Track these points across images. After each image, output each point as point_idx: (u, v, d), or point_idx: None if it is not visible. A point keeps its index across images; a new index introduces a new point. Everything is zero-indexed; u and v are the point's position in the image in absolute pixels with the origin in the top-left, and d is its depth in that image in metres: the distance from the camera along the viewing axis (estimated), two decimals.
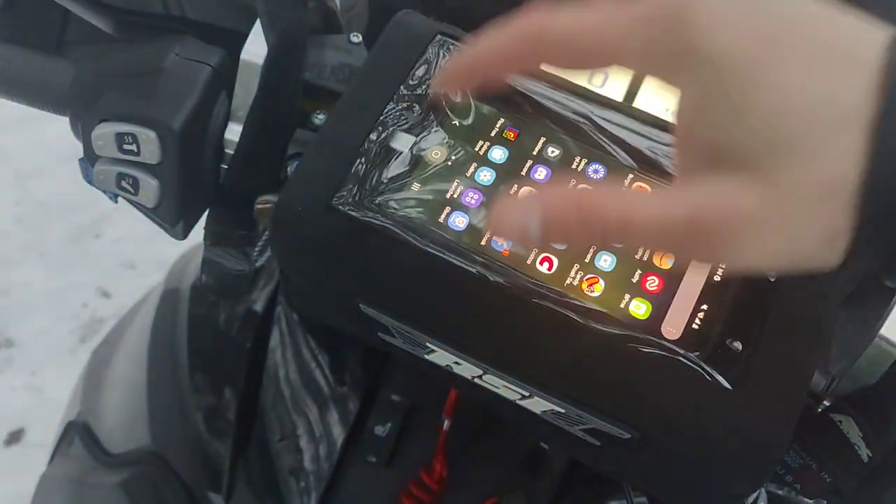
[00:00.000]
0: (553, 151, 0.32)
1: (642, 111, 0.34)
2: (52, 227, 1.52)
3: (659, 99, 0.60)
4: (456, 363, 0.32)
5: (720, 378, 0.28)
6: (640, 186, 0.32)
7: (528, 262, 0.30)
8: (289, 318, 0.56)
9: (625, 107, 0.34)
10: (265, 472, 0.52)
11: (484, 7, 0.65)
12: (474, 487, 0.48)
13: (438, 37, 0.35)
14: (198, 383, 0.57)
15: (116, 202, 0.39)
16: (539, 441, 0.45)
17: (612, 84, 0.61)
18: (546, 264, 0.30)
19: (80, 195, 1.53)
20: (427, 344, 0.32)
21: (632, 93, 0.61)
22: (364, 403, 0.51)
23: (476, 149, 0.32)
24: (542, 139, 0.33)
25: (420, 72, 0.34)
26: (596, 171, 0.32)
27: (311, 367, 0.54)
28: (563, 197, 0.21)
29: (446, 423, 0.48)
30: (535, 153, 0.32)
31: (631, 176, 0.32)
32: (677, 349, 0.28)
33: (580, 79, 0.60)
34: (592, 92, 0.34)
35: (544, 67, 0.24)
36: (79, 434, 0.62)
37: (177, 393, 0.57)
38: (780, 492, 0.32)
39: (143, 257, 1.46)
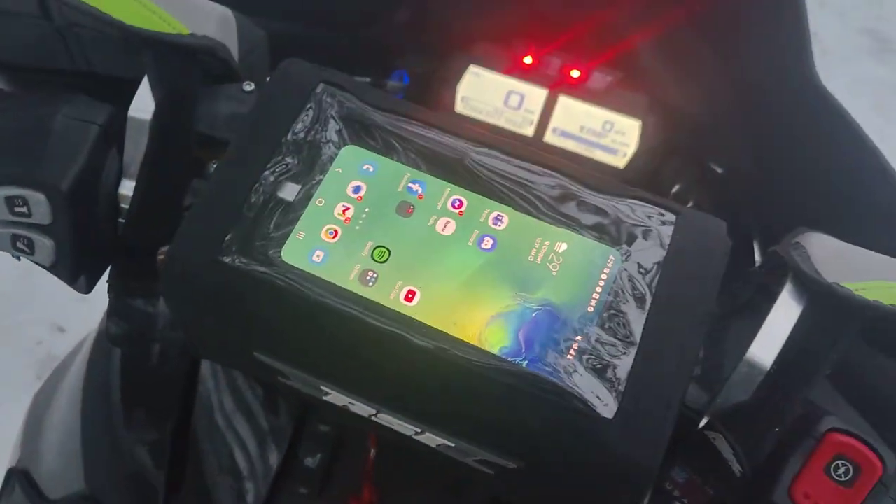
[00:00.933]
0: (455, 203, 0.33)
1: (545, 155, 0.34)
2: (1, 263, 1.50)
3: (573, 120, 0.62)
4: (351, 403, 0.33)
5: (594, 407, 0.29)
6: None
7: (409, 304, 0.31)
8: None
9: (528, 152, 0.34)
10: None
11: (398, 39, 0.66)
12: None
13: (321, 86, 0.36)
14: (130, 422, 0.57)
15: (20, 260, 0.39)
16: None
17: (527, 107, 0.62)
18: (424, 305, 0.31)
19: None
20: (321, 387, 0.33)
21: (546, 114, 0.62)
22: (294, 435, 0.52)
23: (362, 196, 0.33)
24: (447, 190, 0.33)
25: (305, 120, 0.35)
26: (498, 220, 0.33)
27: (242, 400, 0.55)
28: None
29: (373, 452, 0.49)
30: (438, 205, 0.33)
31: (532, 222, 0.33)
32: (551, 380, 0.30)
33: (496, 99, 0.62)
34: (494, 137, 0.35)
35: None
36: (18, 481, 0.62)
37: (110, 434, 0.57)
38: None
39: (96, 290, 1.45)
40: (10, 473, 0.64)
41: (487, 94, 0.62)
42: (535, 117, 0.61)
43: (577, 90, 0.61)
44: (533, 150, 0.35)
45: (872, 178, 0.51)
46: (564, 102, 0.61)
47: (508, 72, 0.62)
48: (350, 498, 0.49)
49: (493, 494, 0.45)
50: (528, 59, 0.62)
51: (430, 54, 0.64)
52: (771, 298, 0.34)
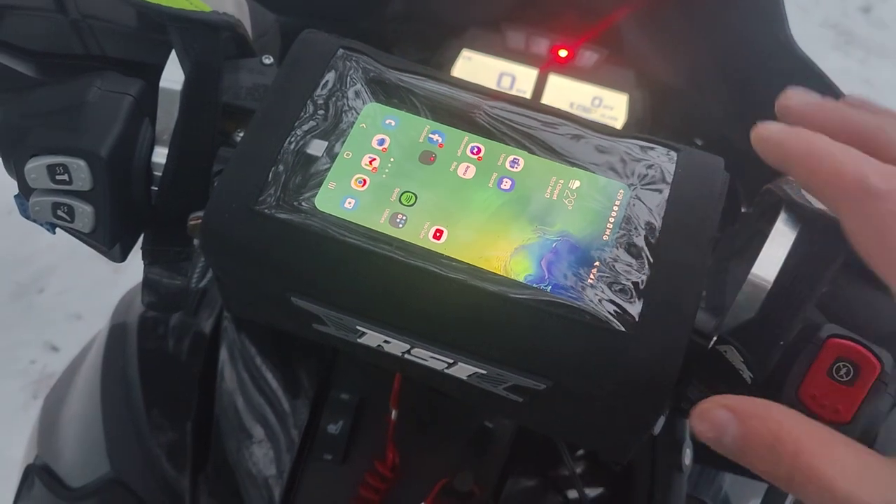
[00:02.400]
0: (474, 150, 0.36)
1: (551, 106, 0.37)
2: None
3: (563, 97, 0.65)
4: (385, 342, 0.36)
5: (614, 324, 0.32)
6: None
7: (438, 241, 0.33)
8: (236, 334, 0.59)
9: (535, 103, 0.37)
10: (226, 484, 0.54)
11: (393, 30, 0.69)
12: (426, 471, 0.51)
13: (341, 51, 0.38)
14: (152, 405, 0.58)
15: (54, 233, 0.41)
16: (471, 405, 0.48)
17: (519, 87, 0.65)
18: (452, 242, 0.33)
19: (17, 252, 1.52)
20: (357, 327, 0.35)
21: (537, 93, 0.65)
22: (315, 405, 0.53)
23: (388, 147, 0.36)
24: (465, 138, 0.36)
25: (327, 83, 0.37)
26: (515, 163, 0.35)
27: (261, 377, 0.57)
28: (764, 423, 0.25)
29: (394, 413, 0.51)
30: (458, 153, 0.35)
31: (546, 163, 0.35)
32: (574, 302, 0.32)
33: (488, 81, 0.65)
34: (503, 93, 0.38)
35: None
36: (38, 475, 0.63)
37: (132, 418, 0.58)
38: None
39: (89, 307, 1.45)
40: (29, 470, 0.65)
41: (480, 76, 0.65)
42: (527, 97, 0.64)
43: (566, 68, 0.64)
44: (538, 102, 0.38)
45: None
46: (554, 81, 0.64)
47: (499, 54, 0.65)
48: (374, 461, 0.51)
49: (520, 425, 0.47)
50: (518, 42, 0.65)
51: (424, 43, 0.67)
52: (765, 240, 0.37)
